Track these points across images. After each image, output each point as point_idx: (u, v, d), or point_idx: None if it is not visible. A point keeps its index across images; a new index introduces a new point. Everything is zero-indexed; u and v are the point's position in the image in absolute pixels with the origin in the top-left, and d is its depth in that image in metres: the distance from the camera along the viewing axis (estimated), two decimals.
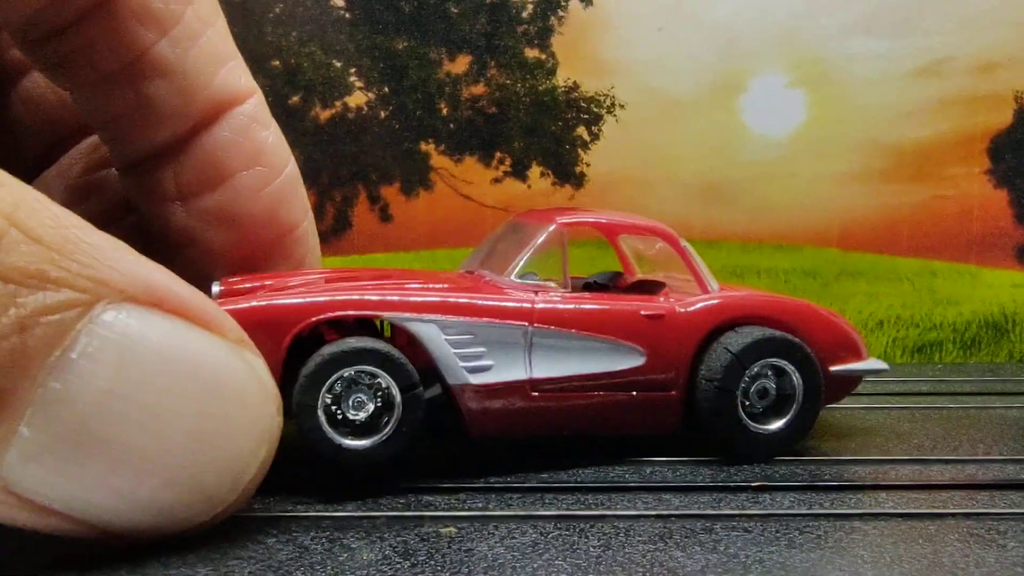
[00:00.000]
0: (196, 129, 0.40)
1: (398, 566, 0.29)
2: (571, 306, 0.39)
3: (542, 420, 0.39)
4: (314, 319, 0.36)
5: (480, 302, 0.38)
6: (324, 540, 0.31)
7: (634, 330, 0.40)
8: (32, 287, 0.24)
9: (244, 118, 0.41)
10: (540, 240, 0.42)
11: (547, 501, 0.36)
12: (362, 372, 0.35)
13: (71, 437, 0.25)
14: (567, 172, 0.72)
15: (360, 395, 0.36)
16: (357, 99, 0.71)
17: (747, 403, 0.40)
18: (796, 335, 0.41)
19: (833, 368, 0.42)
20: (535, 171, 0.72)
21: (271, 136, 0.42)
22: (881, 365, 0.44)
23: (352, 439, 0.36)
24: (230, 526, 0.32)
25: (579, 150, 0.72)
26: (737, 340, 0.40)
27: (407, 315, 0.37)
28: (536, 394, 0.39)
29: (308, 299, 0.36)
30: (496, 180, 0.72)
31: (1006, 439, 0.46)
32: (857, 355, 0.43)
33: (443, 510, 0.34)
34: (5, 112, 0.44)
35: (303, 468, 0.39)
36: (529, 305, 0.39)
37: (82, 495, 0.26)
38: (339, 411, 0.35)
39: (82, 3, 0.36)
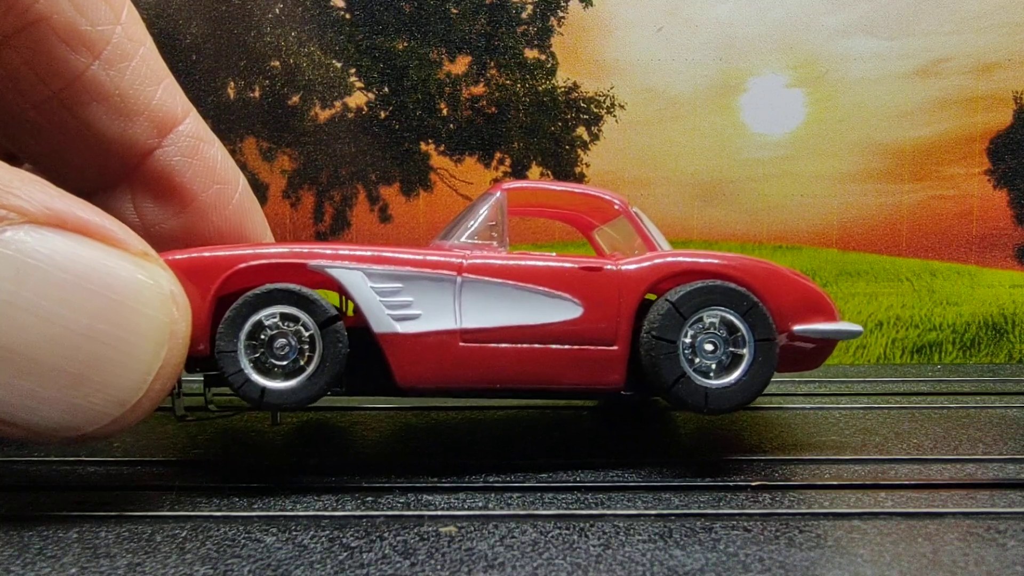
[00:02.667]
0: (143, 154, 0.40)
1: (398, 565, 0.29)
2: (504, 261, 0.39)
3: (474, 371, 0.39)
4: (240, 265, 0.37)
5: (408, 256, 0.39)
6: (324, 539, 0.31)
7: (569, 282, 0.39)
8: None
9: (189, 138, 0.41)
10: (485, 206, 0.42)
11: (547, 500, 0.35)
12: (284, 316, 0.37)
13: None
14: (567, 172, 0.72)
15: (283, 339, 0.37)
16: (357, 99, 0.71)
17: (695, 357, 0.39)
18: (755, 292, 0.40)
19: (798, 328, 0.40)
20: (535, 171, 0.72)
21: (218, 151, 0.43)
22: (854, 327, 0.42)
23: (277, 380, 0.37)
24: (229, 525, 0.32)
25: (579, 150, 0.72)
26: (678, 290, 0.39)
27: (332, 263, 0.38)
28: (466, 344, 0.38)
29: (235, 251, 0.38)
30: (496, 180, 0.72)
31: (1005, 439, 0.46)
32: (826, 316, 0.41)
33: (443, 509, 0.34)
34: None
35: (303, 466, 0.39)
36: (459, 259, 0.39)
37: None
38: (265, 357, 0.37)
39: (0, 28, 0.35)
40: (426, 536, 0.32)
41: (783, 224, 0.73)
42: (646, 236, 0.43)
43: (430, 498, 0.36)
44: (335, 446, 0.44)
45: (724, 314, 0.39)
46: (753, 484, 0.37)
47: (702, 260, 0.41)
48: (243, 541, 0.31)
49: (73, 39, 0.37)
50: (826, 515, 0.34)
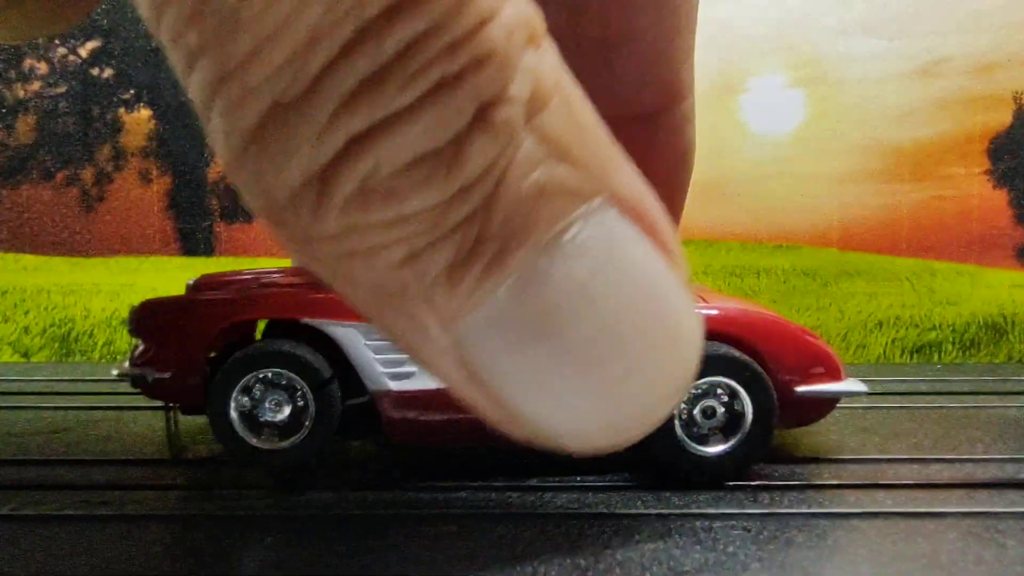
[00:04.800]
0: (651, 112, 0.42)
1: (396, 564, 0.29)
2: None
3: (467, 428, 0.38)
4: (236, 319, 0.38)
5: None
6: (324, 539, 0.31)
7: None
8: (558, 158, 0.24)
9: (685, 116, 0.44)
10: None
11: (547, 500, 0.36)
12: (278, 374, 0.37)
13: (538, 321, 0.26)
14: None
15: (277, 396, 0.37)
16: None
17: (691, 424, 0.38)
18: (757, 352, 0.38)
19: (801, 388, 0.39)
20: None
21: (694, 137, 0.46)
22: (859, 387, 0.40)
23: (267, 441, 0.37)
24: (230, 526, 0.32)
25: None
26: None
27: (327, 320, 0.38)
28: (461, 403, 0.38)
29: (226, 303, 0.38)
30: None
31: (1005, 438, 0.46)
32: (832, 375, 0.40)
33: (444, 508, 0.34)
34: None
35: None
36: None
37: (526, 386, 0.27)
38: (257, 413, 0.37)
39: None
40: (427, 535, 0.32)
41: (783, 224, 0.73)
42: None
43: (430, 497, 0.36)
44: (335, 446, 0.44)
45: (721, 381, 0.38)
46: (753, 484, 0.37)
47: (706, 314, 0.39)
48: (243, 541, 0.31)
49: None
50: (826, 515, 0.34)
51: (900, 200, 0.73)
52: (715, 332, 0.39)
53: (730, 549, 0.30)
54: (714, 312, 0.40)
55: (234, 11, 0.21)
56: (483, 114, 0.24)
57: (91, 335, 0.74)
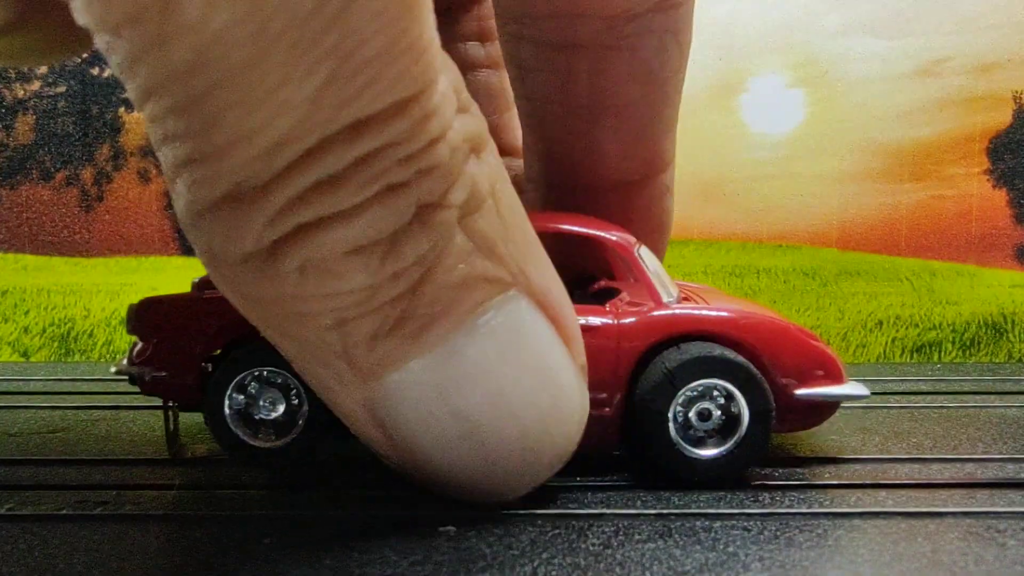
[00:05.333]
0: None
1: (397, 564, 0.29)
2: None
3: None
4: (235, 317, 0.38)
5: None
6: (323, 539, 0.31)
7: None
8: (484, 253, 0.27)
9: None
10: None
11: (546, 499, 0.35)
12: (274, 372, 0.37)
13: (448, 390, 0.27)
14: None
15: (272, 394, 0.38)
16: None
17: (687, 426, 0.38)
18: (755, 354, 0.38)
19: (800, 392, 0.38)
20: None
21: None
22: (860, 390, 0.39)
23: (262, 439, 0.38)
24: (229, 526, 0.32)
25: None
26: (674, 357, 0.37)
27: None
28: None
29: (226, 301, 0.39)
30: None
31: (1005, 438, 0.46)
32: (832, 378, 0.39)
33: (442, 508, 0.34)
34: None
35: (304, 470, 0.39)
36: None
37: (431, 447, 0.29)
38: (252, 411, 0.38)
39: None
40: (425, 535, 0.32)
41: (783, 224, 0.73)
42: (650, 285, 0.40)
43: (429, 498, 0.36)
44: (330, 445, 0.44)
45: (718, 384, 0.37)
46: (753, 483, 0.37)
47: (704, 319, 0.39)
48: (243, 541, 0.31)
49: None
50: (826, 514, 0.34)
51: (900, 200, 0.73)
52: (712, 333, 0.38)
53: (730, 549, 0.30)
54: (712, 314, 0.39)
55: (218, 113, 0.23)
56: (422, 214, 0.25)
57: (91, 335, 0.74)
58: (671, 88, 0.40)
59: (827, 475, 0.39)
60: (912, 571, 0.29)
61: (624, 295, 0.40)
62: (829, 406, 0.40)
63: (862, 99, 0.72)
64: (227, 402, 0.37)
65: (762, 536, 0.32)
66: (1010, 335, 0.72)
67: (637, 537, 0.31)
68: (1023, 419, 0.49)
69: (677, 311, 0.39)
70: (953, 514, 0.34)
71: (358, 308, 0.25)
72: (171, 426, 0.41)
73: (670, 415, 0.37)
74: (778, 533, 0.32)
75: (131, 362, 0.40)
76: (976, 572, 0.28)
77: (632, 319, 0.38)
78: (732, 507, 0.35)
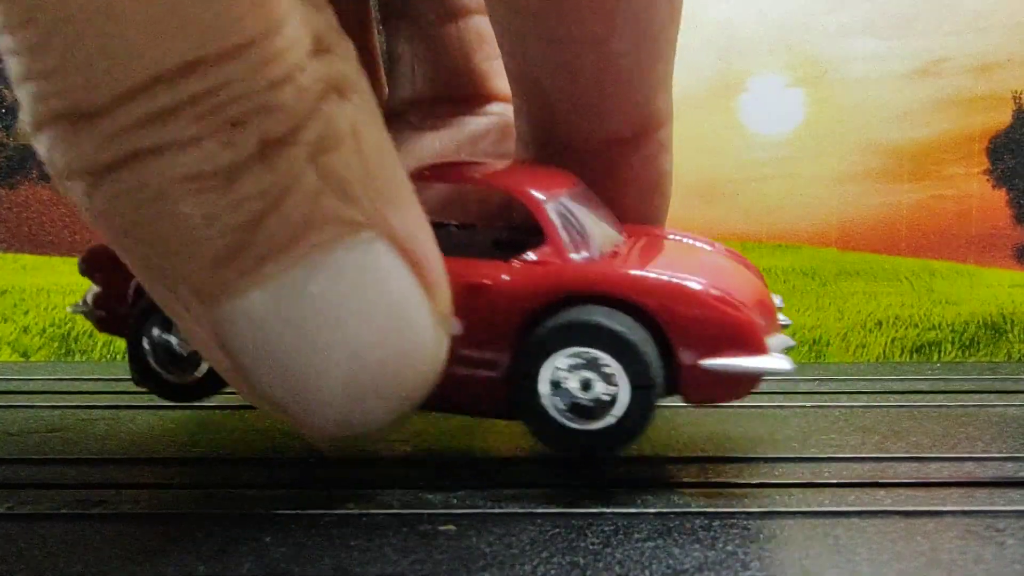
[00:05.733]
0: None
1: (397, 563, 0.29)
2: None
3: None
4: None
5: None
6: (323, 538, 0.31)
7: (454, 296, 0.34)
8: (337, 193, 0.27)
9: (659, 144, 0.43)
10: None
11: (546, 499, 0.35)
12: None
13: (289, 324, 0.27)
14: None
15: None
16: None
17: (566, 396, 0.35)
18: (655, 320, 0.35)
19: (707, 362, 0.35)
20: None
21: (670, 165, 0.45)
22: (781, 364, 0.35)
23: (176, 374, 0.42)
24: (228, 525, 0.32)
25: None
26: (551, 321, 0.35)
27: None
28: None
29: None
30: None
31: (1004, 437, 0.46)
32: (748, 348, 0.35)
33: (442, 508, 0.34)
34: None
35: (301, 466, 0.39)
36: None
37: (273, 378, 0.28)
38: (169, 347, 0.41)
39: None
40: (425, 534, 0.32)
41: (783, 224, 0.73)
42: (555, 239, 0.37)
43: (429, 496, 0.36)
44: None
45: (593, 352, 0.34)
46: (752, 483, 0.37)
47: (599, 278, 0.35)
48: (243, 540, 0.31)
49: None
50: (824, 513, 0.34)
51: (899, 200, 0.73)
52: (607, 295, 0.35)
53: (729, 547, 0.30)
54: (608, 273, 0.36)
55: (51, 35, 0.24)
56: (266, 150, 0.26)
57: (91, 335, 0.74)
58: (663, 41, 0.39)
59: (826, 474, 0.39)
60: (911, 570, 0.29)
61: (531, 252, 0.37)
62: (746, 379, 0.36)
63: (862, 99, 0.72)
64: (145, 335, 0.40)
65: (761, 535, 0.32)
66: (1009, 335, 0.72)
67: (636, 536, 0.31)
68: (1022, 418, 0.49)
69: (569, 270, 0.36)
70: (952, 513, 0.34)
71: (194, 233, 0.26)
72: (133, 359, 0.43)
73: (539, 383, 0.35)
74: (777, 532, 0.32)
75: (84, 303, 0.45)
76: (975, 571, 0.28)
77: (523, 277, 0.36)
78: (731, 506, 0.35)
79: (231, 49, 0.24)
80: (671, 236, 0.44)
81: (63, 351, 0.74)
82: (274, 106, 0.25)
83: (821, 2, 0.72)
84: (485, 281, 0.36)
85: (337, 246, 0.27)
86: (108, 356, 0.74)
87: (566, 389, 0.35)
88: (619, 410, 0.35)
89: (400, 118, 0.47)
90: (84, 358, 0.74)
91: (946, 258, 0.73)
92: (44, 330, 0.74)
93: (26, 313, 0.74)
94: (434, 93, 0.47)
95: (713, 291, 0.35)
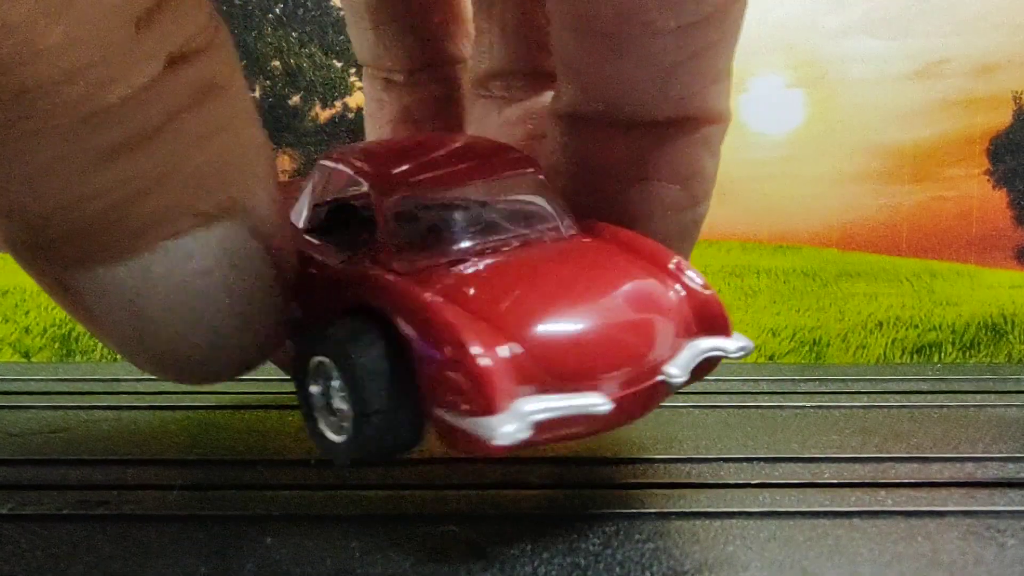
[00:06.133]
0: None
1: (399, 563, 0.29)
2: None
3: None
4: None
5: None
6: (323, 539, 0.31)
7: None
8: (191, 187, 0.28)
9: None
10: (308, 183, 0.37)
11: (546, 499, 0.36)
12: None
13: (135, 301, 0.29)
14: None
15: None
16: (358, 99, 0.72)
17: (320, 399, 0.32)
18: (397, 328, 0.30)
19: (436, 409, 0.29)
20: None
21: None
22: (505, 428, 0.26)
23: None
24: (230, 526, 0.32)
25: None
26: (327, 324, 0.31)
27: None
28: None
29: None
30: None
31: (1005, 438, 0.46)
32: (472, 402, 0.27)
33: (442, 508, 0.34)
34: None
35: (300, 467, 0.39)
36: None
37: (124, 343, 0.31)
38: None
39: None
40: (425, 535, 0.32)
41: (783, 224, 0.73)
42: (383, 236, 0.33)
43: (430, 497, 0.36)
44: None
45: (327, 362, 0.31)
46: (753, 483, 0.37)
47: (371, 286, 0.31)
48: (244, 541, 0.31)
49: None
50: (825, 514, 0.34)
51: (900, 201, 0.73)
52: (371, 305, 0.31)
53: (730, 548, 0.30)
54: (386, 285, 0.31)
55: None
56: (118, 154, 0.27)
57: (91, 335, 0.74)
58: (713, 29, 0.36)
59: (827, 475, 0.39)
60: (912, 571, 0.29)
61: (364, 248, 0.34)
62: (464, 438, 0.29)
63: (862, 100, 0.72)
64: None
65: (761, 536, 0.32)
66: (1010, 336, 0.72)
67: (637, 537, 0.31)
68: (1023, 419, 0.49)
69: (357, 274, 0.32)
70: (953, 513, 0.34)
71: (45, 221, 0.28)
72: None
73: (304, 388, 0.32)
74: (777, 533, 0.32)
75: None
76: (976, 572, 0.28)
77: (336, 272, 0.33)
78: (731, 507, 0.35)
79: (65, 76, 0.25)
80: (605, 242, 0.36)
81: (64, 352, 0.74)
82: (125, 119, 0.26)
83: (822, 3, 0.72)
84: (313, 271, 0.34)
85: (186, 235, 0.29)
86: (109, 357, 0.75)
87: (320, 393, 0.32)
88: (348, 431, 0.30)
89: (482, 88, 0.47)
90: (85, 359, 0.74)
91: (947, 259, 0.73)
92: (45, 330, 0.74)
93: (27, 314, 0.74)
94: (513, 66, 0.46)
95: (467, 329, 0.28)
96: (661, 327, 0.31)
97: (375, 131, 0.52)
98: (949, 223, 0.73)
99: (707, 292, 0.34)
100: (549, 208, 0.36)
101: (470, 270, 0.32)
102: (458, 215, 0.34)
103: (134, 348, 0.31)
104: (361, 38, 0.50)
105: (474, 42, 0.48)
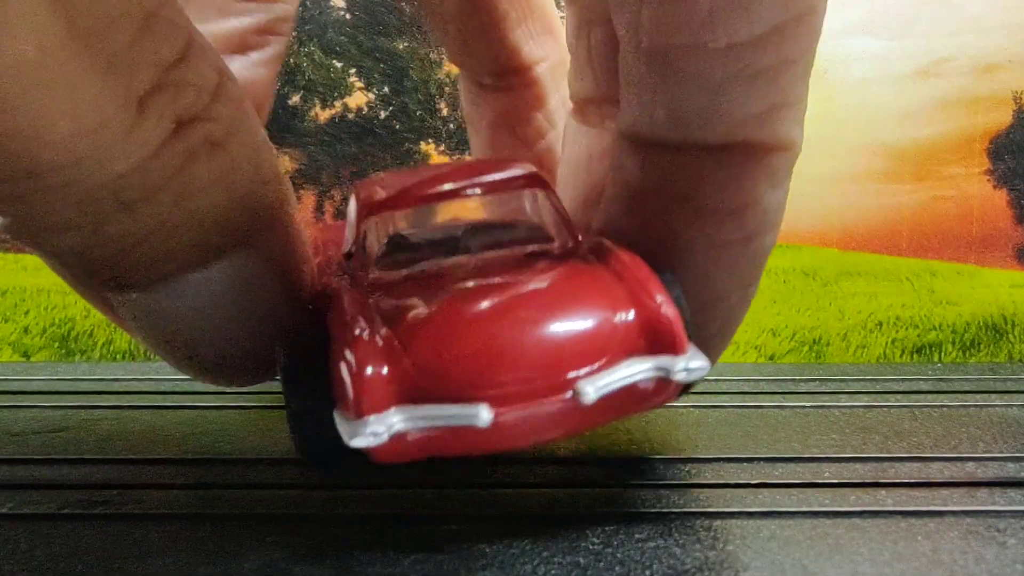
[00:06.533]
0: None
1: (399, 563, 0.29)
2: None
3: None
4: None
5: None
6: (324, 539, 0.31)
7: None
8: (205, 229, 0.30)
9: None
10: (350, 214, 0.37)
11: (546, 498, 0.36)
12: None
13: (161, 322, 0.32)
14: None
15: None
16: (357, 99, 0.72)
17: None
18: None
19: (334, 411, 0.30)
20: None
21: None
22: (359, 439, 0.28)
23: None
24: (230, 525, 0.32)
25: None
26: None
27: None
28: None
29: None
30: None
31: (1006, 437, 0.46)
32: (348, 408, 0.29)
33: (442, 508, 0.34)
34: None
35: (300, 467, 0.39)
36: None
37: (163, 357, 0.35)
38: None
39: None
40: (425, 535, 0.32)
41: (784, 224, 0.73)
42: (361, 251, 0.34)
43: (428, 496, 0.36)
44: None
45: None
46: (753, 483, 0.37)
47: (331, 294, 0.33)
48: (244, 541, 0.31)
49: None
50: (826, 513, 0.34)
51: (901, 200, 0.73)
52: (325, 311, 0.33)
53: (730, 547, 0.30)
54: (341, 296, 0.33)
55: None
56: (127, 207, 0.30)
57: (91, 335, 0.74)
58: (769, 51, 0.33)
59: (827, 474, 0.39)
60: (912, 570, 0.29)
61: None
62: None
63: (862, 99, 0.72)
64: None
65: (762, 535, 0.32)
66: (1010, 335, 0.72)
67: (637, 536, 0.31)
68: (1023, 419, 0.49)
69: (331, 285, 0.34)
70: (953, 513, 0.34)
71: (75, 258, 0.30)
72: None
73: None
74: (778, 532, 0.32)
75: None
76: (976, 571, 0.28)
77: (332, 283, 0.35)
78: (732, 506, 0.35)
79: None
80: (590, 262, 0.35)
81: (64, 351, 0.74)
82: (132, 183, 0.28)
83: None
84: (331, 283, 0.35)
85: (200, 268, 0.31)
86: (108, 356, 0.75)
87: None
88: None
89: (578, 113, 0.46)
90: (84, 358, 0.74)
91: (947, 259, 0.73)
92: (44, 330, 0.74)
93: (26, 313, 0.74)
94: (606, 93, 0.44)
95: (361, 339, 0.29)
96: (584, 345, 0.30)
97: (474, 134, 0.53)
98: (949, 223, 0.73)
99: (664, 311, 0.31)
100: (543, 225, 0.36)
101: (414, 285, 0.33)
102: (432, 235, 0.35)
103: (167, 356, 0.34)
104: (448, 44, 0.51)
105: (570, 63, 0.47)
